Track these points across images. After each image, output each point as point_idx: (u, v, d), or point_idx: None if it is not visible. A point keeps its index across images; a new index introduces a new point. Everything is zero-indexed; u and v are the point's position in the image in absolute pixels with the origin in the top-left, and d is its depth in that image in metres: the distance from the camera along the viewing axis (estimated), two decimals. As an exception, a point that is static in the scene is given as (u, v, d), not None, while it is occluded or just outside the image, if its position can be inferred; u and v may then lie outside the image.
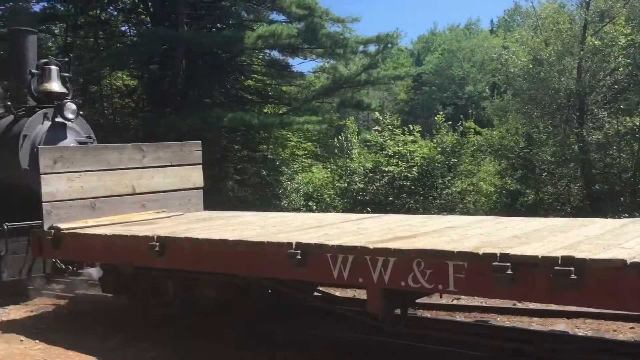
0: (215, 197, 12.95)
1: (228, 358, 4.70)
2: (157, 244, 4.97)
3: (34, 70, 7.75)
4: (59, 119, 7.56)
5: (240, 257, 4.57)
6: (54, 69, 7.88)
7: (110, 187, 6.61)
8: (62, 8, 20.51)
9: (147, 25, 20.40)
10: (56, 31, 26.78)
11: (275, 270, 4.44)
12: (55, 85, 7.82)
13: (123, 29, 22.41)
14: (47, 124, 7.53)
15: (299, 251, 4.18)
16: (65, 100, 7.66)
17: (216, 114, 15.97)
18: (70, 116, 7.62)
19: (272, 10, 19.34)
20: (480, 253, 3.59)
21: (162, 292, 5.49)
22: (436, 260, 3.67)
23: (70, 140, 7.61)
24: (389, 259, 3.79)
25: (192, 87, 17.84)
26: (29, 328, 5.66)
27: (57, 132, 7.51)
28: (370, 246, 3.93)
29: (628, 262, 3.14)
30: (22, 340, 5.22)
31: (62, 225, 5.91)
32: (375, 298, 3.93)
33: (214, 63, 18.52)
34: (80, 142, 7.67)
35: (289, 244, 4.27)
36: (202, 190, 7.46)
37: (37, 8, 20.40)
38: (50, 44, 28.45)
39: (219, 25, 19.31)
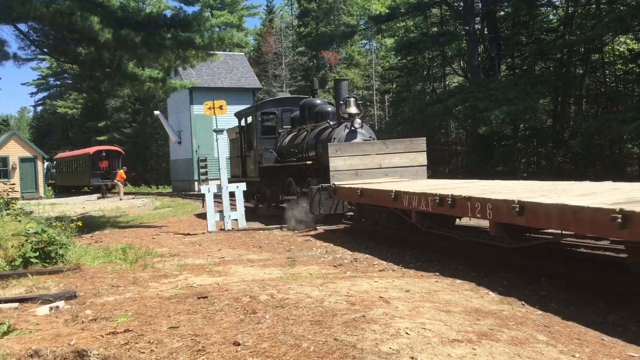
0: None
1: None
2: (359, 191, 9.73)
3: (341, 102, 13.12)
4: (352, 127, 12.76)
5: (384, 198, 8.88)
6: (352, 100, 13.17)
7: (366, 163, 11.81)
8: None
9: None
10: (557, 3, 26.62)
11: (398, 205, 8.49)
12: (353, 109, 13.04)
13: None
14: (347, 130, 12.79)
15: (393, 194, 8.44)
16: (355, 117, 12.85)
17: None
18: (357, 126, 12.80)
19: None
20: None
21: (375, 217, 10.60)
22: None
23: (359, 140, 12.70)
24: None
25: None
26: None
27: (351, 135, 12.77)
28: (415, 191, 8.17)
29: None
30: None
31: (337, 183, 11.23)
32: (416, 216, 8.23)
33: None
34: (365, 140, 12.75)
35: (390, 191, 8.59)
36: (425, 167, 12.22)
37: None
38: (551, 16, 28.72)
39: None
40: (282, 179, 14.77)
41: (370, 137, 13.00)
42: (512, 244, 6.57)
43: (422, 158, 12.07)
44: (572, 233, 6.05)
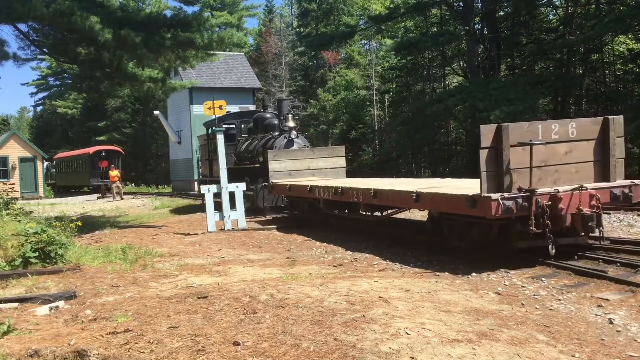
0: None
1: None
2: (288, 186, 13.15)
3: (281, 117, 17.02)
4: (289, 138, 16.17)
5: (304, 191, 12.12)
6: (290, 116, 16.98)
7: (297, 166, 14.33)
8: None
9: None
10: (557, 3, 26.60)
11: (317, 196, 11.66)
12: (291, 123, 16.72)
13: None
14: (285, 140, 16.22)
15: (309, 187, 11.93)
16: (292, 130, 16.44)
17: None
18: (293, 136, 16.29)
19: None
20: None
21: (302, 207, 13.51)
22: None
23: (295, 147, 15.89)
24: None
25: None
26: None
27: (289, 144, 16.09)
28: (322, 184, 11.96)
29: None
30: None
31: (274, 181, 14.10)
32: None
33: None
34: (300, 147, 15.84)
35: (306, 185, 12.14)
36: (344, 168, 14.91)
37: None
38: (551, 16, 28.59)
39: None
40: (240, 178, 17.10)
41: (304, 145, 16.38)
42: (373, 218, 10.89)
43: (342, 162, 14.84)
44: (401, 207, 9.50)
